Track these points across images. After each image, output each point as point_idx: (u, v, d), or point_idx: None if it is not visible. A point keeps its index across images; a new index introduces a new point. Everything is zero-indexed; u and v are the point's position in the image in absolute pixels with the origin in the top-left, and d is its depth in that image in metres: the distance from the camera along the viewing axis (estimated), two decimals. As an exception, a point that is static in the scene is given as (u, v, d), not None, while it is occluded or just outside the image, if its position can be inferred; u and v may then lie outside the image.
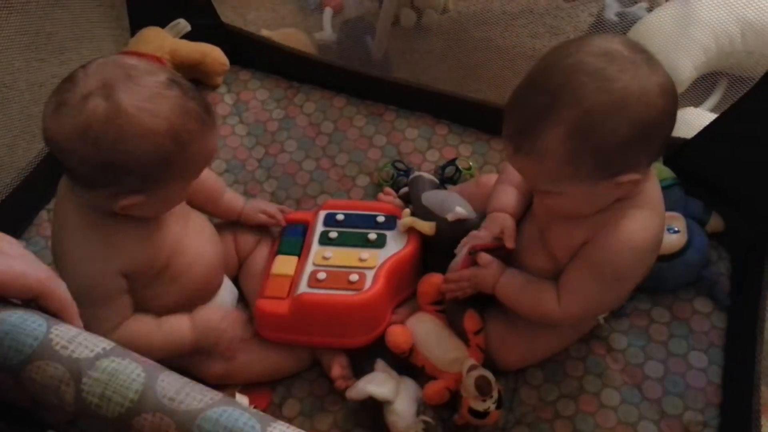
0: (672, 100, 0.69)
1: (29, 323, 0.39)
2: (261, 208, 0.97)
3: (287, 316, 0.87)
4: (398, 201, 1.02)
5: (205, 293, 0.90)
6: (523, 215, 0.87)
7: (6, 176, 1.03)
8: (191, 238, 0.85)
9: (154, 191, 0.72)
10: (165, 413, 0.35)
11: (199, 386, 0.38)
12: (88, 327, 0.78)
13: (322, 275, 0.89)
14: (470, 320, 0.86)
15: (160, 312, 0.84)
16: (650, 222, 0.75)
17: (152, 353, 0.70)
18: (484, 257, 0.83)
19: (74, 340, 0.39)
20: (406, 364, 0.88)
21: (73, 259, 0.75)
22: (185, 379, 0.38)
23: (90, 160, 0.68)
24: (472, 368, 0.84)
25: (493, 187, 0.90)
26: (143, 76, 0.68)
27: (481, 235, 0.85)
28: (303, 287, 0.89)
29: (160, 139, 0.68)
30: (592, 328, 0.93)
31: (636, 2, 1.42)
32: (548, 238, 0.81)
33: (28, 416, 0.40)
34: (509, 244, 0.83)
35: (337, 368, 0.88)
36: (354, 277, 0.88)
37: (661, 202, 0.78)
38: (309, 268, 0.91)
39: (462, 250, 0.86)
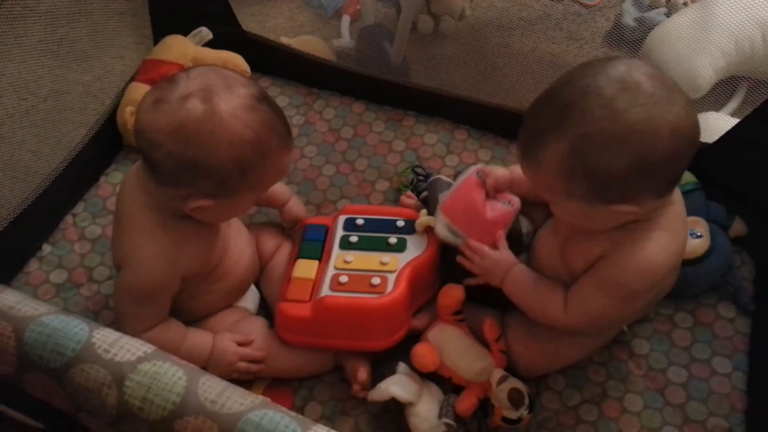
0: (683, 142, 0.67)
1: (71, 327, 0.39)
2: (300, 214, 1.00)
3: (310, 319, 0.87)
4: (419, 204, 1.03)
5: (241, 292, 0.94)
6: (544, 225, 0.88)
7: (31, 182, 1.05)
8: (235, 239, 0.90)
9: (224, 198, 0.75)
10: (207, 416, 0.35)
11: (239, 389, 0.38)
12: (121, 322, 0.79)
13: (344, 278, 0.90)
14: (490, 329, 0.86)
15: (202, 308, 0.88)
16: (669, 246, 0.75)
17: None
18: (502, 235, 0.85)
19: (116, 344, 0.39)
20: (432, 373, 0.88)
21: (144, 255, 0.78)
22: (225, 382, 0.38)
23: (176, 156, 0.71)
24: (502, 380, 0.84)
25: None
26: (239, 87, 0.73)
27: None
28: (325, 290, 0.89)
29: (244, 147, 0.72)
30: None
31: (654, 7, 1.42)
32: (567, 249, 0.81)
33: (70, 419, 0.41)
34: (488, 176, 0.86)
35: (363, 373, 0.88)
36: (376, 281, 0.89)
37: (684, 227, 0.78)
38: (330, 271, 0.92)
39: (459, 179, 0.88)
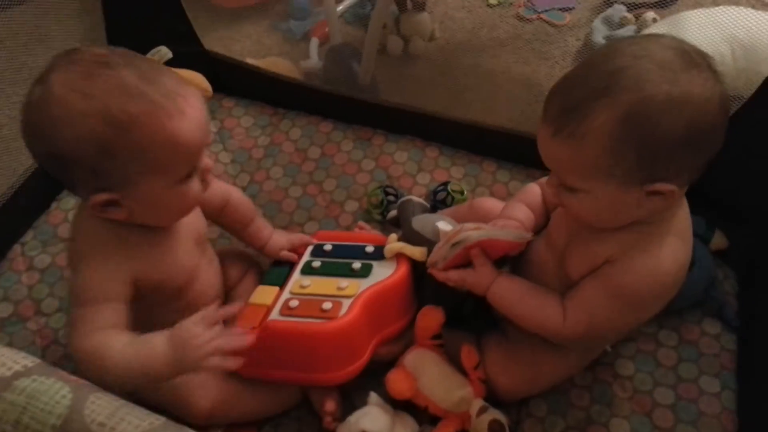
0: (726, 116, 0.65)
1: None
2: (283, 245, 0.93)
3: (255, 346, 0.76)
4: (375, 232, 0.98)
5: None
6: (534, 239, 0.81)
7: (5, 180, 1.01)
8: (206, 267, 0.84)
9: (124, 190, 0.67)
10: (93, 441, 0.29)
11: (138, 409, 0.32)
12: (71, 326, 0.70)
13: (294, 303, 0.83)
14: (467, 356, 0.82)
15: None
16: (681, 253, 0.71)
17: (123, 374, 0.65)
18: (479, 257, 0.77)
19: (-7, 359, 0.33)
20: (406, 403, 0.82)
21: (86, 258, 0.71)
22: (121, 401, 0.32)
23: (38, 153, 0.65)
24: (482, 411, 0.79)
25: (505, 205, 0.85)
26: (84, 54, 0.64)
27: (471, 227, 0.77)
28: (274, 315, 0.83)
29: (92, 123, 0.62)
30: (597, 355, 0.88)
31: (624, 25, 1.42)
32: (567, 258, 0.75)
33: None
34: (528, 232, 0.78)
35: (332, 403, 0.81)
36: (327, 305, 0.81)
37: (691, 233, 0.74)
38: (284, 296, 0.86)
39: (450, 245, 0.77)
